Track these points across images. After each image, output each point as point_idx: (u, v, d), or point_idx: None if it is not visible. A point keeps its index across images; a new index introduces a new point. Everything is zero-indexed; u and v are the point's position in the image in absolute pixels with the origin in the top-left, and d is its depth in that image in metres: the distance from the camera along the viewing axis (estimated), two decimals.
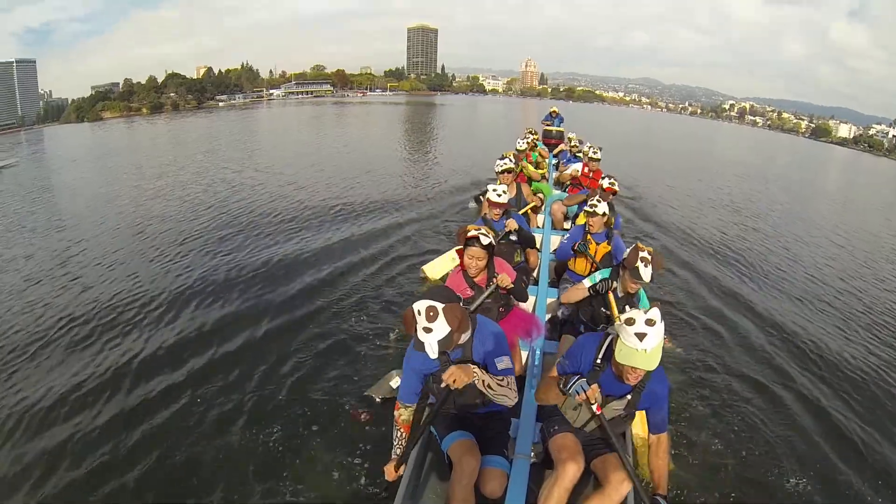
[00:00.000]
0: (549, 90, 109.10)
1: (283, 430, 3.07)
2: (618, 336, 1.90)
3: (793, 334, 4.80)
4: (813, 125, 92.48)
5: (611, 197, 4.60)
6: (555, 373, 2.17)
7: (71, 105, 67.33)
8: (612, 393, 2.06)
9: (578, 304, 3.27)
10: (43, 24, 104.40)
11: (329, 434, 3.03)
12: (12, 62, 68.90)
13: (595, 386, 1.98)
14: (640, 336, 1.81)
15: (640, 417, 2.39)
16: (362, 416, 3.15)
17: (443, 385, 1.93)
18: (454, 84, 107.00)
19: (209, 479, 2.73)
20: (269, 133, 27.13)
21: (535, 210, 5.79)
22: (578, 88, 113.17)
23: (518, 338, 3.03)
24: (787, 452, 3.12)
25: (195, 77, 74.99)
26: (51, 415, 3.37)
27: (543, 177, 7.12)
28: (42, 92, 72.28)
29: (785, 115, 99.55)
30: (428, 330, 1.80)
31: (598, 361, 2.06)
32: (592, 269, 3.77)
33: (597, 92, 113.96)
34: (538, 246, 4.54)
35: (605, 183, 4.78)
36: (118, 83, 69.62)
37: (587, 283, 3.16)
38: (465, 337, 2.07)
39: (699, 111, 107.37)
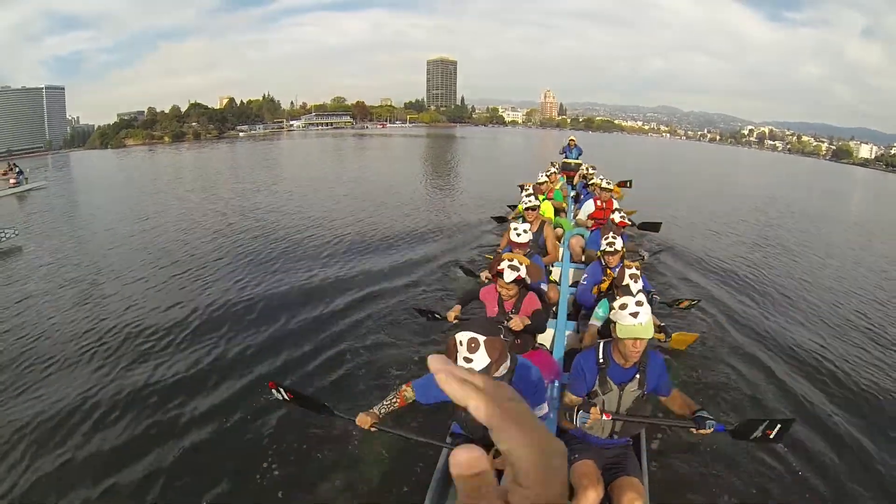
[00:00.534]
0: (569, 121, 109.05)
1: (327, 445, 3.23)
2: (615, 323, 2.30)
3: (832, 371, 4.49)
4: (833, 147, 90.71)
5: (622, 230, 4.81)
6: (569, 397, 2.46)
7: (96, 131, 69.00)
8: (623, 380, 2.36)
9: None
10: (72, 53, 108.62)
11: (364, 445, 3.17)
12: (42, 88, 71.22)
13: (595, 408, 2.27)
14: (634, 314, 2.25)
15: None
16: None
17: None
18: (474, 116, 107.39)
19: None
20: (292, 164, 27.03)
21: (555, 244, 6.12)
22: (597, 118, 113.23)
23: None
24: None
25: (217, 107, 76.54)
26: (101, 421, 3.57)
27: (563, 210, 7.42)
28: (70, 118, 74.53)
29: (805, 138, 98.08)
30: (468, 360, 1.86)
31: (601, 362, 2.38)
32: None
33: (615, 121, 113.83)
34: (554, 290, 4.61)
35: (617, 217, 5.13)
36: (143, 111, 71.37)
37: (596, 322, 3.34)
38: (502, 370, 2.09)
39: (718, 138, 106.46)
